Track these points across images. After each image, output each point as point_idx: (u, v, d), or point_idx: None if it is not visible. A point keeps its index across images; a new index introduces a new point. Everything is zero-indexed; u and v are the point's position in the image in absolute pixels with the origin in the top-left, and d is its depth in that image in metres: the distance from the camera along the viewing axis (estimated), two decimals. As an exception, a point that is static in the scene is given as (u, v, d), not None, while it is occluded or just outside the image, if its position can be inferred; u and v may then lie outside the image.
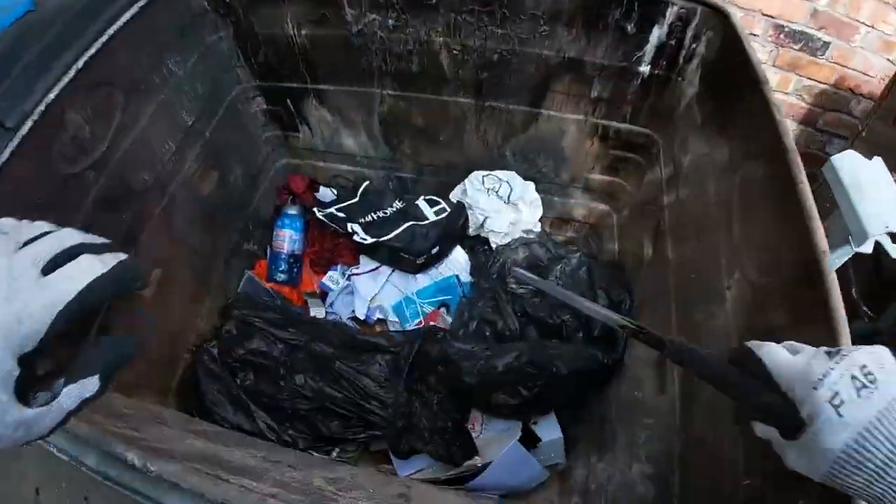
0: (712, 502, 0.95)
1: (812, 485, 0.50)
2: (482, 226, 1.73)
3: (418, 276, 1.72)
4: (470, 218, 1.71)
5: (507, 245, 1.61)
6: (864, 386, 0.47)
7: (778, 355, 0.54)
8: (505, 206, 1.66)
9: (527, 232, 1.68)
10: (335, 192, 1.79)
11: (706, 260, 1.11)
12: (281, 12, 1.32)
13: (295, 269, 1.73)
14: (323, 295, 1.77)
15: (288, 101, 1.54)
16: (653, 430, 1.20)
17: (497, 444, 1.50)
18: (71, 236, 0.39)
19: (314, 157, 1.75)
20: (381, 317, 1.71)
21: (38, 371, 0.36)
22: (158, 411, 1.23)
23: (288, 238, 1.70)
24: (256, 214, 1.73)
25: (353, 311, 1.70)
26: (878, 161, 1.29)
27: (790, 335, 0.78)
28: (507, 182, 1.63)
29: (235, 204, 1.62)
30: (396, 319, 1.71)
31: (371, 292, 1.70)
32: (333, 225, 1.65)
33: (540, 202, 1.66)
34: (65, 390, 0.36)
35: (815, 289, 0.79)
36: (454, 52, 1.34)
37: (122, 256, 0.40)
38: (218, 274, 1.58)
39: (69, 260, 0.37)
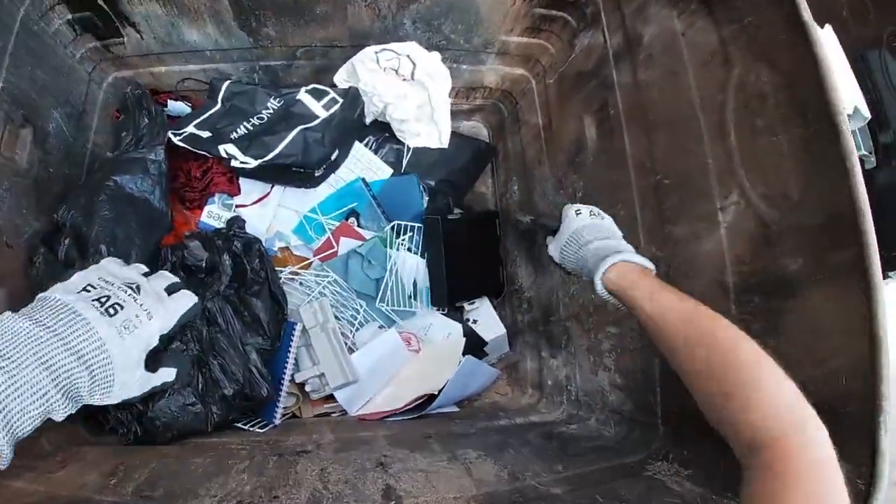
0: (705, 431, 0.95)
1: None
2: (383, 113, 1.45)
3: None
4: (367, 105, 1.41)
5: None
6: (594, 214, 0.94)
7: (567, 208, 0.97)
8: (408, 86, 1.37)
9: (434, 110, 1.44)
10: (189, 103, 1.38)
11: (686, 167, 0.96)
12: None
13: (165, 211, 1.38)
14: (204, 235, 1.45)
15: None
16: (619, 342, 1.16)
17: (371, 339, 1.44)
18: (169, 276, 0.62)
19: (150, 63, 1.30)
20: (282, 245, 1.46)
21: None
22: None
23: (143, 175, 1.32)
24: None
25: (248, 247, 1.41)
26: (829, 30, 1.16)
27: (810, 289, 0.76)
28: (408, 56, 1.30)
29: (67, 161, 1.21)
30: (301, 242, 1.47)
31: (265, 223, 1.41)
32: (200, 151, 1.27)
33: (448, 74, 1.37)
34: (161, 370, 0.58)
35: (846, 247, 0.70)
36: None
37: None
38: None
39: (175, 290, 0.61)
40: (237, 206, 1.41)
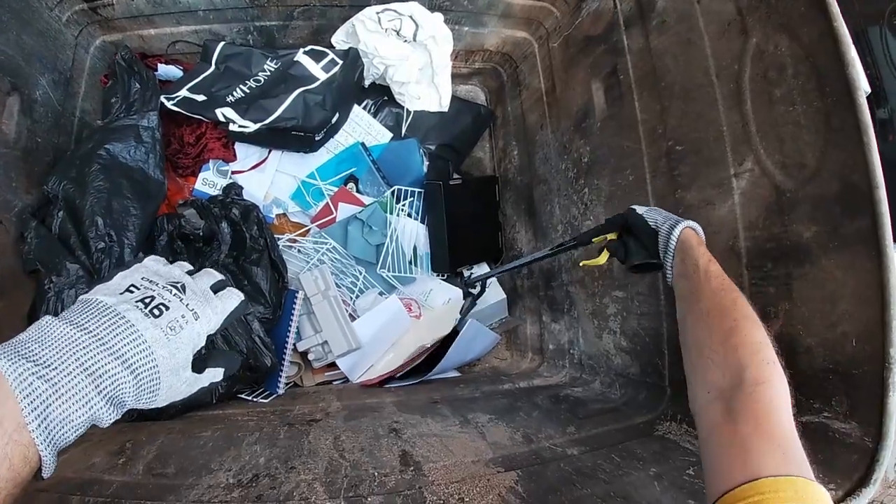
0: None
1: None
2: (382, 76, 1.45)
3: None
4: (366, 67, 1.40)
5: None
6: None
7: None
8: (411, 48, 1.37)
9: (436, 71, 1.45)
10: (181, 66, 1.34)
11: (700, 134, 1.00)
12: None
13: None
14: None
15: (85, -44, 1.02)
16: (625, 306, 1.22)
17: (373, 306, 1.47)
18: (215, 274, 0.60)
19: (140, 26, 1.26)
20: (279, 211, 1.47)
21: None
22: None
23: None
24: (87, 130, 1.27)
25: (245, 214, 1.41)
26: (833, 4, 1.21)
27: (823, 256, 0.81)
28: (411, 17, 1.29)
29: (55, 129, 1.18)
30: (299, 208, 1.48)
31: (262, 189, 1.40)
32: (196, 116, 1.25)
33: (451, 36, 1.37)
34: (207, 370, 0.57)
35: (860, 217, 0.75)
36: None
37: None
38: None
39: (221, 288, 0.59)
40: (233, 173, 1.40)
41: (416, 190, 1.53)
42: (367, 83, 1.45)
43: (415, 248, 1.52)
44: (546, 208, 1.47)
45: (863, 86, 1.12)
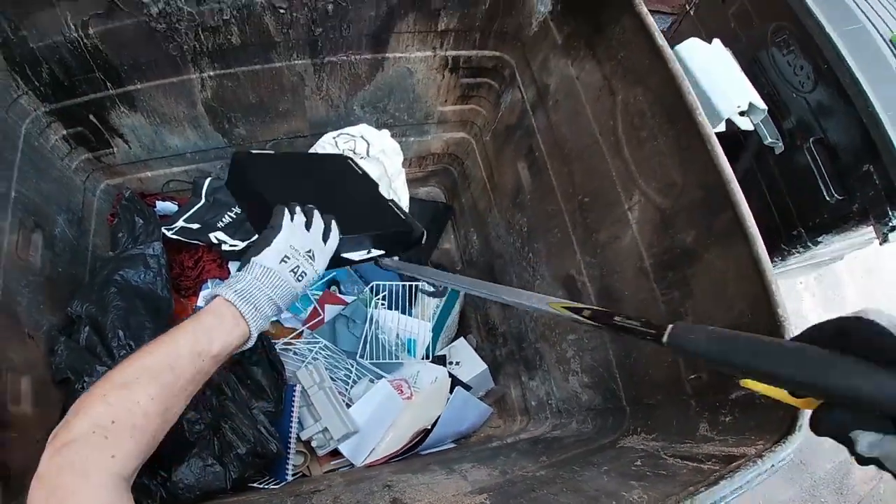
0: (661, 398, 1.10)
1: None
2: (348, 188, 1.67)
3: (297, 260, 1.64)
4: (332, 184, 1.64)
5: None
6: None
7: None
8: (366, 162, 1.61)
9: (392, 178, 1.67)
10: (175, 202, 1.58)
11: (599, 184, 1.18)
12: (56, 14, 1.03)
13: (164, 301, 1.54)
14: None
15: (90, 116, 1.27)
16: (579, 346, 1.33)
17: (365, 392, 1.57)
18: (320, 220, 0.99)
19: (137, 170, 1.49)
20: (274, 319, 1.62)
21: None
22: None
23: (141, 270, 1.49)
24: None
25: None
26: (717, 43, 1.44)
27: (705, 252, 0.94)
28: (362, 136, 1.54)
29: (73, 261, 1.36)
30: (291, 314, 1.64)
31: (256, 298, 1.59)
32: (193, 241, 1.46)
33: (399, 148, 1.61)
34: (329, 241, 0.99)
35: (724, 211, 0.90)
36: (280, 10, 1.17)
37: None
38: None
39: (327, 223, 1.00)
40: (229, 288, 1.57)
41: (391, 283, 1.70)
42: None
43: (398, 335, 1.66)
44: (506, 279, 1.62)
45: (747, 107, 1.30)
